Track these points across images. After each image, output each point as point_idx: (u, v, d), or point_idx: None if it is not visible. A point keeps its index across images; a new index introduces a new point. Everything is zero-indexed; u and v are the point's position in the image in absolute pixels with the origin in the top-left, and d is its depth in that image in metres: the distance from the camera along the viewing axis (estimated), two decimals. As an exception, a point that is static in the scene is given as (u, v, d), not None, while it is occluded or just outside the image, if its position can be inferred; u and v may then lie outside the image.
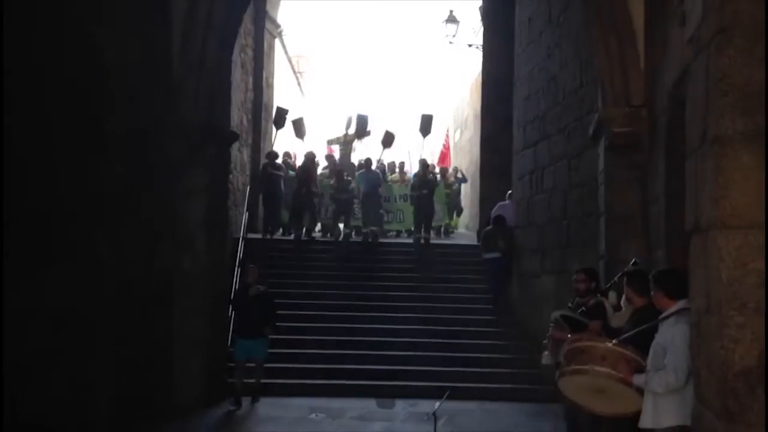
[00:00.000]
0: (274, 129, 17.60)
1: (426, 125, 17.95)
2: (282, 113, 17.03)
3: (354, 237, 15.93)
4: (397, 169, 18.80)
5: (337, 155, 19.55)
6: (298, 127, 18.05)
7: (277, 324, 10.30)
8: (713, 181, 3.92)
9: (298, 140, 18.36)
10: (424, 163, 16.85)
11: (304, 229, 15.45)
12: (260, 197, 16.33)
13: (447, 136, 23.44)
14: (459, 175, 19.62)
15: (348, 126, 19.35)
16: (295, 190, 15.79)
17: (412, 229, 16.55)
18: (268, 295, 10.20)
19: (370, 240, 15.44)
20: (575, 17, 10.07)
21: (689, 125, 4.57)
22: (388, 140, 18.43)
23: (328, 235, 16.25)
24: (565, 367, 5.26)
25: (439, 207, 17.06)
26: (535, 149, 11.90)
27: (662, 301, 4.97)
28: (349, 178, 16.40)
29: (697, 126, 4.32)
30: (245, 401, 9.78)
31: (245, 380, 9.93)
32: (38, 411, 7.20)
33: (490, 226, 13.29)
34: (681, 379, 4.66)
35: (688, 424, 4.66)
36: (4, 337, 6.87)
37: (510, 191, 14.17)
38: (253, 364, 10.00)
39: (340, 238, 15.70)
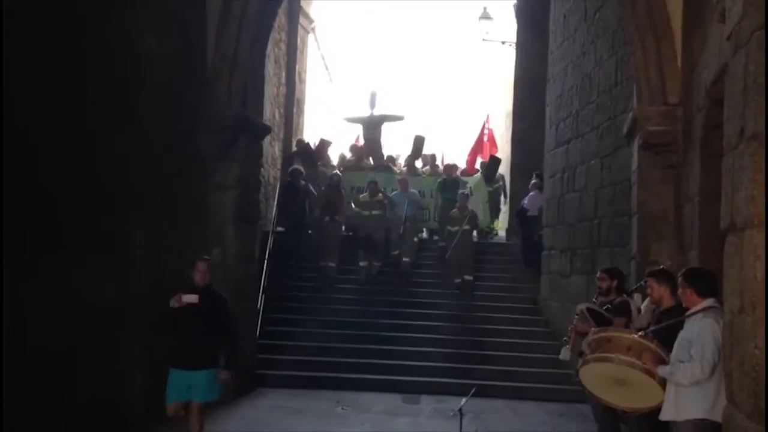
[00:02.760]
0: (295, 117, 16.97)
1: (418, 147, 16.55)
2: (324, 145, 16.09)
3: (377, 267, 13.60)
4: (428, 162, 17.19)
5: (360, 141, 17.85)
6: (320, 151, 16.03)
7: (237, 346, 7.13)
8: (750, 179, 3.87)
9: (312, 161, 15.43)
10: (463, 196, 13.98)
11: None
12: (277, 218, 13.86)
13: (485, 125, 21.79)
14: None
15: (372, 105, 17.33)
16: (317, 218, 13.90)
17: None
18: (217, 305, 6.86)
19: (400, 268, 13.69)
20: (611, 14, 9.98)
21: (727, 123, 4.51)
22: (417, 148, 16.77)
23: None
24: (589, 355, 5.26)
25: (479, 207, 14.96)
26: (567, 148, 11.82)
27: (692, 299, 5.04)
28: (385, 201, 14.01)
29: (734, 123, 4.27)
30: None
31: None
32: (73, 401, 7.27)
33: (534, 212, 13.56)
34: (707, 371, 4.72)
35: (708, 417, 4.74)
36: (38, 328, 6.96)
37: (534, 180, 14.09)
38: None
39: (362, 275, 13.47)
